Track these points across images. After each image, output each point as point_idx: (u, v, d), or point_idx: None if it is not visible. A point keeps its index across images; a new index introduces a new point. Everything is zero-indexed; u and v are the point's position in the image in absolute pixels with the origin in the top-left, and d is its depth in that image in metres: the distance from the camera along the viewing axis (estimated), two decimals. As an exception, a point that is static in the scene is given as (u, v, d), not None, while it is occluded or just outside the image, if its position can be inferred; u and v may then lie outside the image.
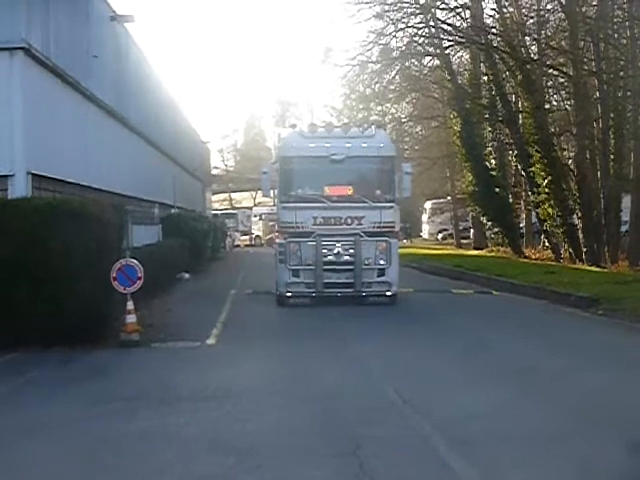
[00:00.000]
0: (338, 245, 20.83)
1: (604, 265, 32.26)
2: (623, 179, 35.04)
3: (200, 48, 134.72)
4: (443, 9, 39.45)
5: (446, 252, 47.30)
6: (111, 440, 8.83)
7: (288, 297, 20.93)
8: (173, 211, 36.44)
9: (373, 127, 22.27)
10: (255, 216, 72.28)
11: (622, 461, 7.73)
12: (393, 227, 21.64)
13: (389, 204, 21.36)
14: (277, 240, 21.93)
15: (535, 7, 36.95)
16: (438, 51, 42.05)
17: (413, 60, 47.12)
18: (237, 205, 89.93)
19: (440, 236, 66.39)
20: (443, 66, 43.28)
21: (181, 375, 12.35)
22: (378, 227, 20.99)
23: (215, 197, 79.59)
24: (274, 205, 22.91)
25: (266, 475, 7.54)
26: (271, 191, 22.87)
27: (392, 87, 48.44)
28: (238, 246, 62.74)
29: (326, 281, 20.69)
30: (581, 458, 7.83)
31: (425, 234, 68.98)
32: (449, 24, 39.10)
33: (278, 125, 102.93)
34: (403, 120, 53.84)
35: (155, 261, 22.11)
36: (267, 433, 8.97)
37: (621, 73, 33.94)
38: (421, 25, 40.18)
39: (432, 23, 39.64)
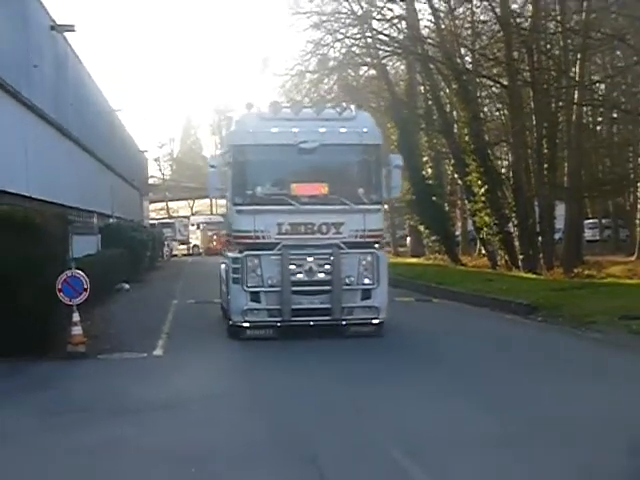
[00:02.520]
0: (310, 260, 16.50)
1: (539, 272, 32.85)
2: (557, 187, 35.79)
3: (136, 55, 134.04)
4: (380, 20, 39.99)
5: (384, 260, 47.57)
6: (63, 452, 8.82)
7: (245, 328, 16.48)
8: (111, 221, 36.24)
9: (353, 107, 17.62)
10: (193, 225, 72.11)
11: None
12: (380, 236, 17.67)
13: (375, 206, 17.05)
14: (229, 253, 17.57)
15: (470, 19, 37.55)
16: (375, 61, 42.49)
17: (350, 70, 47.51)
18: (174, 214, 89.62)
19: (377, 244, 66.84)
20: (380, 76, 43.72)
21: (131, 386, 12.35)
22: (362, 236, 16.69)
23: (152, 206, 79.21)
24: (220, 214, 20.37)
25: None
26: (219, 191, 17.62)
27: (330, 97, 48.64)
28: (175, 255, 62.48)
29: (295, 307, 16.30)
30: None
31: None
32: (386, 35, 39.64)
33: (214, 134, 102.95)
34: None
35: (95, 271, 21.90)
36: (223, 442, 9.04)
37: (554, 84, 34.63)
38: (358, 36, 40.57)
39: (369, 34, 40.06)
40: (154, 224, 64.16)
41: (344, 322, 16.56)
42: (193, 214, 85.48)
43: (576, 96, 33.83)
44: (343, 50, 41.21)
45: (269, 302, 16.49)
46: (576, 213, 36.97)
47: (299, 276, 16.45)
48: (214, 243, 65.30)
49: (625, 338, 15.70)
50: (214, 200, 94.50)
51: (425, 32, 40.68)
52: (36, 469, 8.32)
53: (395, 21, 40.08)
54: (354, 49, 41.38)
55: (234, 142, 17.20)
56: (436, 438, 8.96)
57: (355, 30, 40.36)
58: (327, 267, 16.49)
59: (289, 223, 16.52)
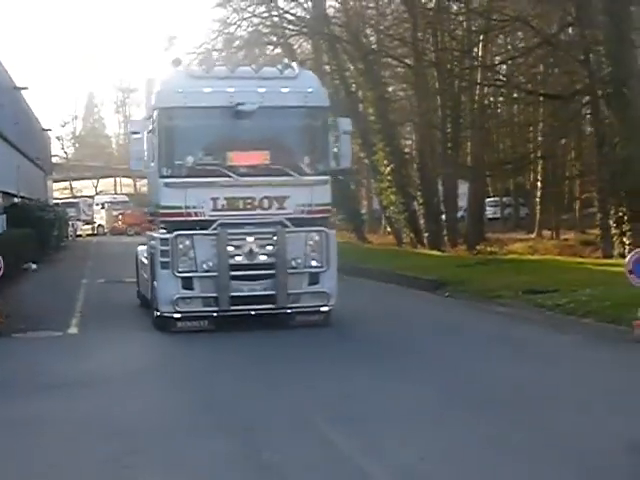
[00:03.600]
0: (251, 240, 14.55)
1: (444, 249, 33.67)
2: (460, 166, 36.66)
3: (37, 30, 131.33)
4: (286, -1, 40.15)
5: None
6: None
7: (176, 319, 14.46)
8: (17, 200, 35.74)
9: (295, 65, 15.78)
10: (97, 205, 71.40)
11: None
12: (328, 211, 15.71)
13: (323, 177, 15.07)
14: (154, 234, 15.54)
15: (375, -1, 38.12)
16: (282, 40, 42.63)
17: (257, 49, 47.56)
18: (78, 194, 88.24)
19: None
20: (286, 55, 43.86)
21: (49, 363, 12.41)
22: (309, 212, 14.85)
23: (55, 185, 77.86)
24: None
25: (155, 454, 7.81)
26: (143, 162, 15.06)
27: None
28: (80, 236, 61.69)
29: (234, 294, 14.34)
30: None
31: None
32: (292, 14, 39.93)
33: (118, 112, 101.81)
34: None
35: (2, 251, 21.75)
36: (148, 415, 9.25)
37: (457, 65, 35.32)
38: (265, 14, 40.71)
39: (275, 13, 40.32)
40: (58, 204, 63.24)
41: (289, 310, 14.79)
42: (97, 194, 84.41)
43: (479, 77, 34.59)
44: (250, 29, 41.25)
45: (204, 289, 14.49)
46: (479, 191, 37.95)
47: (238, 259, 14.49)
48: (119, 223, 64.96)
49: (530, 311, 16.32)
50: (118, 179, 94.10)
51: (331, 12, 41.11)
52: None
53: (301, 0, 40.36)
54: (261, 28, 41.45)
55: (160, 104, 14.83)
56: (360, 408, 9.31)
57: (262, 9, 40.49)
58: (270, 248, 14.59)
59: (225, 197, 14.57)
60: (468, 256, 30.29)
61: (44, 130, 56.49)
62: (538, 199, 43.20)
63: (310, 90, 15.08)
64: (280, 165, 14.81)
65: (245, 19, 40.46)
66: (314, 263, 14.82)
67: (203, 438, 8.22)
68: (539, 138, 38.45)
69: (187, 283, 14.36)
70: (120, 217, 65.72)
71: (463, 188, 38.74)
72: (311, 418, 8.89)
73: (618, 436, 7.92)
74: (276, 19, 40.62)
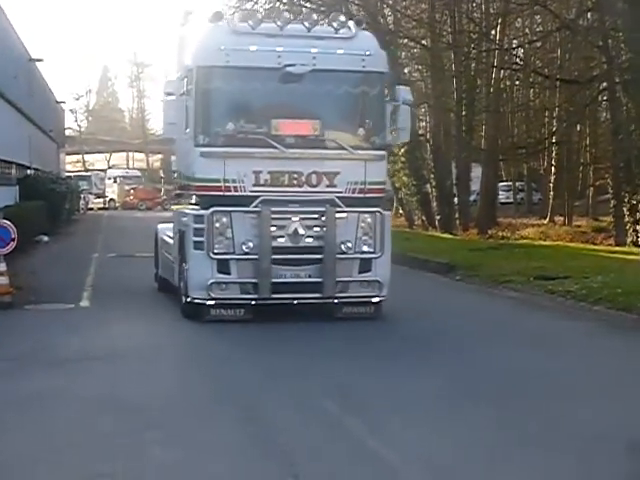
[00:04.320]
0: (296, 220, 12.94)
1: (455, 232, 33.67)
2: (475, 150, 36.62)
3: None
4: (305, -24, 39.97)
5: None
6: (2, 400, 8.83)
7: (209, 306, 12.92)
8: (29, 172, 35.81)
9: (351, 23, 13.58)
10: (109, 178, 71.57)
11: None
12: (383, 190, 13.99)
13: (379, 152, 13.46)
14: (186, 210, 13.87)
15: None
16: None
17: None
18: (90, 167, 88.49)
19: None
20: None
21: (62, 336, 12.39)
22: (361, 190, 13.24)
23: (68, 158, 78.05)
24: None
25: (172, 430, 7.77)
26: (176, 126, 13.00)
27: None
28: (91, 209, 61.88)
29: (276, 280, 12.79)
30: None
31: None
32: (309, -9, 39.78)
33: (132, 86, 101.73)
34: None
35: (15, 223, 21.77)
36: (163, 392, 9.20)
37: (475, 47, 35.19)
38: (283, -9, 40.57)
39: (293, -11, 40.16)
40: (70, 177, 63.37)
41: (336, 301, 13.27)
42: (110, 167, 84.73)
43: (495, 60, 34.45)
44: (267, 5, 41.12)
45: (242, 274, 12.87)
46: (492, 175, 37.90)
47: (281, 241, 12.87)
48: (131, 197, 65.28)
49: (541, 297, 16.27)
50: (130, 154, 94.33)
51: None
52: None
53: (320, -23, 40.19)
54: (278, 5, 41.28)
55: (198, 62, 13.00)
56: (370, 391, 9.30)
57: (280, -15, 40.39)
58: (317, 230, 13.02)
59: (269, 171, 12.97)
60: (479, 240, 30.31)
61: (58, 102, 56.51)
62: (551, 184, 43.07)
63: (368, 53, 13.25)
64: (332, 137, 13.24)
65: (262, -5, 40.34)
66: (366, 248, 13.24)
67: (216, 422, 8.14)
68: (554, 123, 38.32)
69: (223, 266, 12.83)
70: (132, 192, 66.03)
71: (476, 172, 38.68)
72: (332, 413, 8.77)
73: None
74: (294, -4, 40.43)
